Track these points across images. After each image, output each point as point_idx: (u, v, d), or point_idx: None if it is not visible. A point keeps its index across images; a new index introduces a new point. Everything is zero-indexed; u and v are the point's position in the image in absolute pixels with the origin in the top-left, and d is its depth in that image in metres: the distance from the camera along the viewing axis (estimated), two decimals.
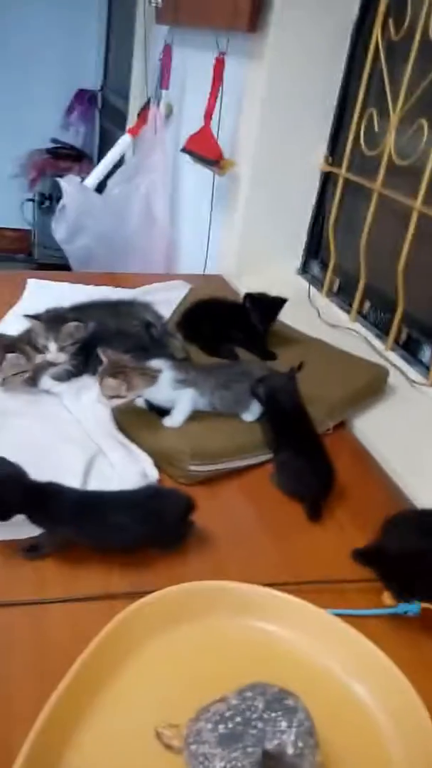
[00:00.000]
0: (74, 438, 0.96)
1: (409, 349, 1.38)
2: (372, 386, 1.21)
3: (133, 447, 0.95)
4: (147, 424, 0.97)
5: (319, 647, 0.67)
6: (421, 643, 0.72)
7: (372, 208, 1.45)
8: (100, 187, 2.32)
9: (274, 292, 1.65)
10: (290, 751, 0.51)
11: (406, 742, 0.58)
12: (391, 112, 1.38)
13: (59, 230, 2.12)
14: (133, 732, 0.57)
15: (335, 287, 1.68)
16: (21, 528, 0.76)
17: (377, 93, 1.47)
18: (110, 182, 2.26)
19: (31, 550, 0.76)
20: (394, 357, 1.38)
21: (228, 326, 1.27)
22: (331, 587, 0.77)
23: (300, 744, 0.52)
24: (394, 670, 0.62)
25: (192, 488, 0.89)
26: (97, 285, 1.55)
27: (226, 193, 1.83)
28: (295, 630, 0.68)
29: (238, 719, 0.53)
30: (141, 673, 0.62)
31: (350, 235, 1.54)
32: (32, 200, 3.90)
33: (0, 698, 0.60)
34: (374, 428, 1.14)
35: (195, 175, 1.98)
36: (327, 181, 1.71)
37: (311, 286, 1.73)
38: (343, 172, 1.58)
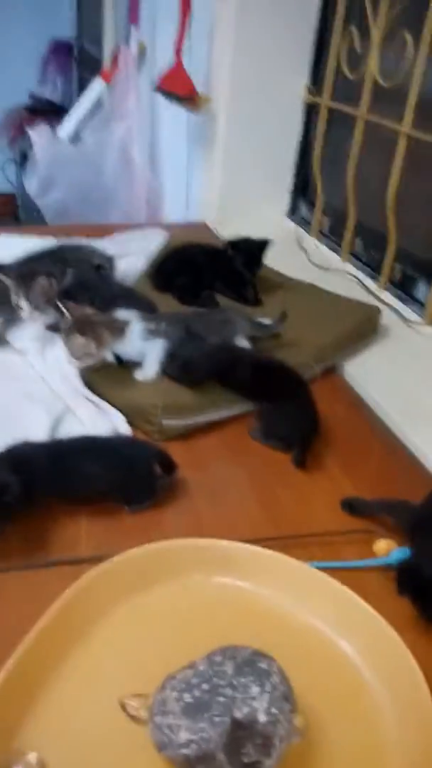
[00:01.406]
0: (40, 397, 0.90)
1: (404, 287, 1.30)
2: (363, 328, 1.14)
3: (103, 403, 0.88)
4: (116, 379, 0.91)
5: (301, 604, 0.62)
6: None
7: (358, 137, 1.35)
8: (78, 138, 2.21)
9: (260, 234, 1.58)
10: (262, 718, 0.46)
11: (398, 703, 0.53)
12: (372, 28, 1.27)
13: (31, 184, 2.02)
14: (97, 705, 0.52)
15: (325, 227, 1.59)
16: None
17: (358, 9, 1.35)
18: (84, 131, 2.14)
19: None
20: (389, 297, 1.30)
21: (208, 274, 1.19)
22: (318, 540, 0.72)
23: (273, 710, 0.47)
24: (384, 625, 0.57)
25: (168, 444, 0.83)
26: (69, 236, 1.46)
27: (205, 133, 1.72)
28: (276, 587, 0.63)
29: (205, 686, 0.48)
30: (107, 641, 0.57)
31: (338, 170, 1.44)
32: (14, 161, 3.76)
33: None
34: (367, 372, 1.07)
35: (174, 118, 1.87)
36: (310, 113, 1.60)
37: (300, 228, 1.65)
38: (325, 100, 1.47)
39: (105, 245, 1.35)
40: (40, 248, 1.18)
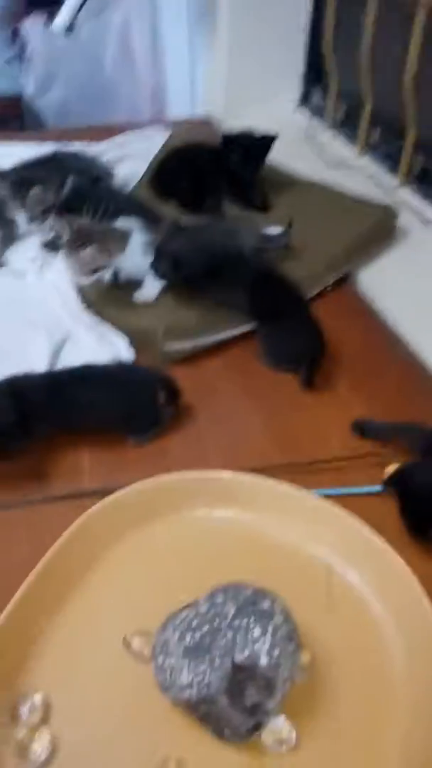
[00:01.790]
0: (39, 322, 0.86)
1: (425, 182, 1.20)
2: (378, 232, 1.06)
3: (105, 328, 0.84)
4: (116, 302, 0.86)
5: (308, 534, 0.60)
6: None
7: (371, 11, 1.19)
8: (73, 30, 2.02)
9: (269, 128, 1.45)
10: (263, 661, 0.45)
11: (406, 635, 0.52)
12: None
13: (28, 83, 1.88)
14: (101, 643, 0.52)
15: (340, 116, 1.45)
16: None
17: None
18: (77, 20, 1.95)
19: None
20: (407, 194, 1.20)
21: (210, 177, 1.10)
22: (327, 466, 0.69)
23: (275, 652, 0.46)
24: (392, 555, 0.55)
25: (172, 369, 0.80)
26: (69, 141, 1.37)
27: (207, 18, 1.55)
28: (281, 518, 0.61)
29: (206, 628, 0.47)
30: (109, 578, 0.57)
31: (353, 50, 1.29)
32: (17, 58, 3.49)
33: None
34: (382, 281, 1.00)
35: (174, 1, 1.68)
36: None
37: (313, 119, 1.51)
38: None
39: (104, 149, 1.26)
40: (36, 156, 1.10)
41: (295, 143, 1.44)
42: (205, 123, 1.56)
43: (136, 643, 0.52)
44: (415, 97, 1.13)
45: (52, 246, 0.97)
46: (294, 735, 0.47)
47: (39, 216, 0.97)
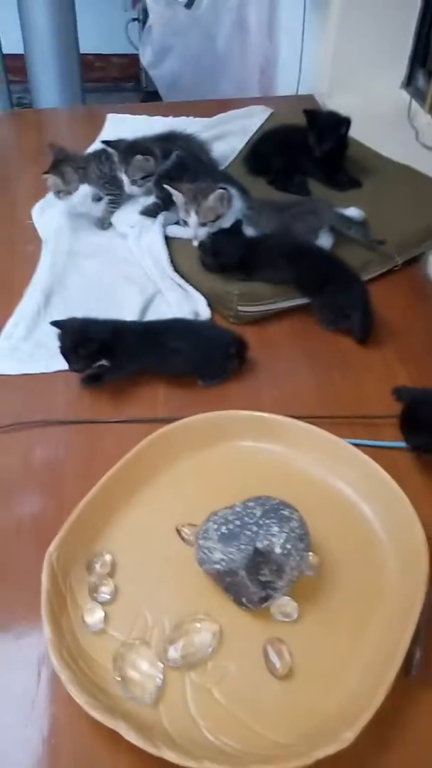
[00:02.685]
0: (135, 278, 1.02)
1: None
2: None
3: (189, 287, 0.99)
4: (200, 266, 1.00)
5: (333, 472, 0.72)
6: None
7: None
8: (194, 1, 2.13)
9: (370, 110, 1.52)
10: (278, 550, 0.59)
11: (401, 556, 0.64)
12: None
13: (145, 53, 2.02)
14: (158, 527, 0.68)
15: None
16: None
17: None
18: None
19: (91, 379, 0.86)
20: None
21: (299, 156, 1.20)
22: (363, 421, 0.81)
23: (288, 546, 0.59)
24: (400, 493, 0.67)
25: (242, 328, 0.94)
26: (177, 116, 1.50)
27: None
28: (313, 456, 0.74)
29: (238, 522, 0.62)
30: (170, 483, 0.72)
31: None
32: (137, 20, 3.62)
33: (55, 494, 0.73)
34: None
35: None
36: None
37: (413, 101, 1.55)
38: None
39: (208, 123, 1.39)
40: (151, 133, 1.23)
41: (395, 124, 1.50)
42: (307, 101, 1.64)
43: (185, 531, 0.67)
44: None
45: (149, 212, 1.11)
46: (296, 611, 0.60)
47: (139, 181, 1.11)
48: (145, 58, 2.09)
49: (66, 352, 0.83)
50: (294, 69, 1.79)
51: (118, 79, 3.83)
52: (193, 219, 0.99)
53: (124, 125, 1.46)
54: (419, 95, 1.57)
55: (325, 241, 1.03)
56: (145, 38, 2.05)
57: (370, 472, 0.70)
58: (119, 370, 0.86)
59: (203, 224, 1.00)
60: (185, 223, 1.02)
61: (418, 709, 0.55)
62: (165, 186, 1.04)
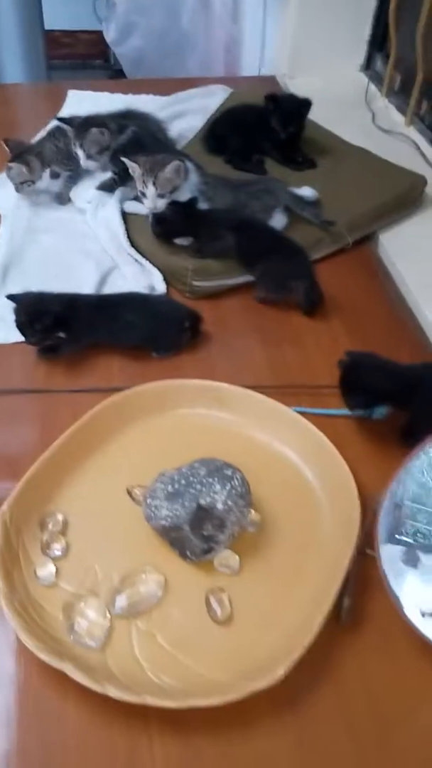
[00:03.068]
0: (93, 253, 1.04)
1: None
2: (405, 198, 1.17)
3: (145, 262, 1.01)
4: (156, 241, 1.02)
5: (278, 437, 0.76)
6: (380, 440, 0.79)
7: None
8: None
9: (329, 92, 1.55)
10: (219, 506, 0.63)
11: (336, 514, 0.69)
12: None
13: (110, 30, 2.01)
14: (110, 489, 0.71)
15: (396, 84, 1.53)
16: None
17: None
18: None
19: (47, 350, 0.88)
20: None
21: (257, 135, 1.22)
22: (308, 391, 0.85)
23: (229, 503, 0.63)
24: (338, 458, 0.72)
25: (198, 302, 0.97)
26: (138, 93, 1.51)
27: None
28: (260, 422, 0.77)
29: (183, 482, 0.65)
30: (123, 448, 0.75)
31: (413, 22, 1.36)
32: None
33: (10, 460, 0.75)
34: (400, 244, 1.12)
35: None
36: None
37: (371, 84, 1.59)
38: None
39: (168, 101, 1.40)
40: (107, 110, 1.24)
41: (353, 107, 1.54)
42: (268, 81, 1.67)
43: (136, 491, 0.70)
44: None
45: (106, 187, 1.12)
46: (237, 563, 0.64)
47: (95, 155, 1.12)
48: (110, 36, 2.08)
49: (21, 325, 0.85)
50: (256, 50, 1.80)
51: (86, 56, 3.76)
52: (150, 190, 1.01)
53: (85, 102, 1.46)
54: (377, 78, 1.61)
55: (279, 220, 1.06)
56: (110, 15, 2.04)
57: (311, 438, 0.74)
58: (75, 342, 0.88)
59: (161, 195, 1.01)
60: (143, 196, 1.03)
61: (345, 653, 0.60)
62: (122, 159, 1.05)
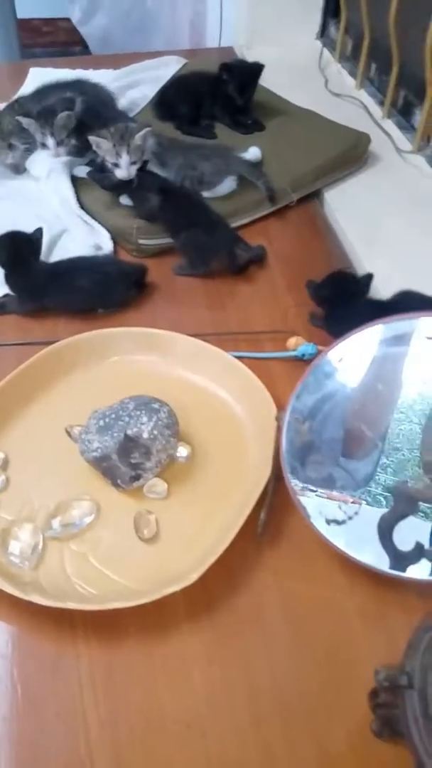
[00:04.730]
0: (45, 218, 1.07)
1: (405, 114, 1.31)
2: (348, 155, 1.20)
3: (94, 223, 1.05)
4: (104, 203, 1.06)
5: (213, 379, 0.80)
6: None
7: None
8: None
9: (286, 60, 1.58)
10: (145, 435, 0.67)
11: (258, 439, 0.73)
12: None
13: (74, 11, 2.03)
14: (50, 429, 0.75)
15: (348, 50, 1.55)
16: None
17: None
18: None
19: None
20: (390, 125, 1.32)
21: (208, 102, 1.25)
22: (246, 337, 0.89)
23: (155, 432, 0.67)
24: (264, 392, 0.75)
25: (144, 259, 1.00)
26: (98, 68, 1.54)
27: None
28: (196, 365, 0.81)
29: (113, 416, 0.69)
30: (64, 392, 0.80)
31: None
32: None
33: None
34: (343, 200, 1.15)
35: None
36: None
37: (325, 50, 1.62)
38: None
39: (119, 74, 1.43)
40: (56, 80, 1.27)
41: (308, 73, 1.57)
42: (227, 52, 1.69)
43: (74, 430, 0.74)
44: (396, 37, 1.24)
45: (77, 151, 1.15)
46: (165, 489, 0.69)
47: (65, 140, 1.14)
48: (75, 16, 2.10)
49: None
50: (216, 22, 1.82)
51: (67, 43, 3.77)
52: (124, 159, 1.02)
53: (46, 78, 1.48)
54: (331, 45, 1.63)
55: (228, 185, 1.09)
56: None
57: (242, 378, 0.78)
58: (22, 305, 0.92)
59: (134, 162, 1.04)
60: (115, 167, 1.04)
61: (262, 562, 0.64)
62: (89, 138, 1.05)
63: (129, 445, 0.67)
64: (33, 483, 0.70)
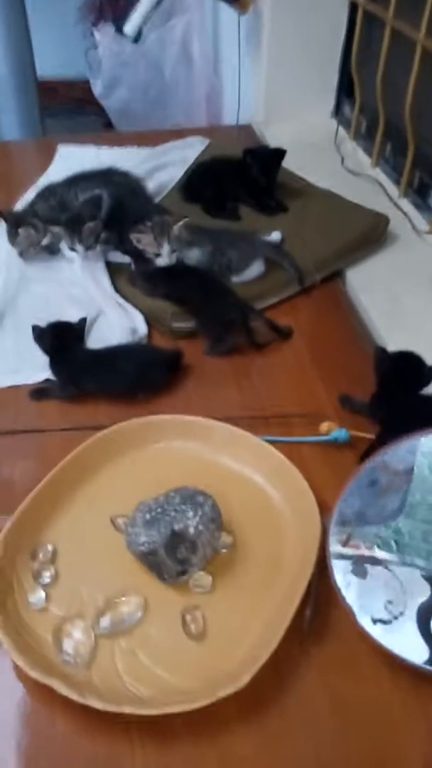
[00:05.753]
0: (79, 299, 1.12)
1: (421, 194, 1.37)
2: (368, 236, 1.25)
3: (128, 306, 1.09)
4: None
5: (248, 464, 0.83)
6: (342, 464, 0.86)
7: (386, 41, 1.37)
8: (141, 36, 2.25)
9: (302, 138, 1.66)
10: (191, 531, 0.69)
11: (299, 530, 0.75)
12: None
13: (96, 84, 2.13)
14: (96, 519, 0.77)
15: (362, 128, 1.63)
16: (29, 373, 0.97)
17: None
18: (145, 28, 2.19)
19: (38, 393, 0.96)
20: (406, 204, 1.38)
21: (231, 184, 1.32)
22: (278, 420, 0.91)
23: (200, 527, 0.69)
24: (301, 481, 0.78)
25: (178, 342, 1.04)
26: (123, 146, 1.62)
27: (254, 32, 1.75)
28: (232, 452, 0.84)
29: (159, 510, 0.72)
30: (108, 480, 0.82)
31: (374, 69, 1.47)
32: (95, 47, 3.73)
33: (6, 491, 0.82)
34: (365, 279, 1.20)
35: (231, 14, 1.88)
36: (354, 13, 1.59)
37: (340, 129, 1.70)
38: (362, 1, 1.47)
39: (146, 157, 1.50)
40: (88, 170, 1.31)
41: (324, 151, 1.64)
42: (245, 130, 1.78)
43: (119, 521, 0.77)
44: (414, 119, 1.31)
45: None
46: (210, 583, 0.71)
47: (92, 245, 1.17)
48: (97, 89, 2.21)
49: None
50: (234, 100, 1.92)
51: (81, 101, 3.93)
52: (166, 248, 1.10)
53: (73, 157, 1.56)
54: (346, 123, 1.71)
55: (257, 268, 1.14)
56: (95, 70, 2.17)
57: (277, 463, 0.81)
58: (64, 391, 0.95)
59: (174, 251, 1.10)
60: (157, 256, 1.11)
61: (309, 661, 0.65)
62: (132, 238, 1.11)
63: (176, 540, 0.69)
64: (81, 576, 0.72)
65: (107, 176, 1.26)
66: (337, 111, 1.77)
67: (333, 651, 0.66)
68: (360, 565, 0.65)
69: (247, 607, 0.69)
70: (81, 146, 1.63)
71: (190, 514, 0.70)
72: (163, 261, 1.08)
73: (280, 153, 1.31)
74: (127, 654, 0.65)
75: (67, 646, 0.65)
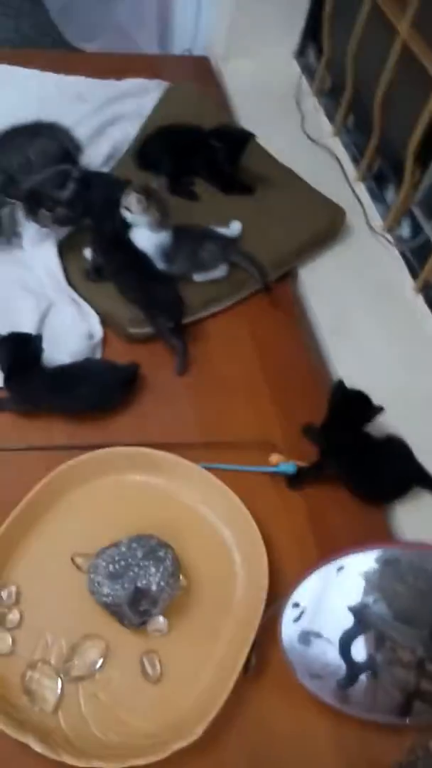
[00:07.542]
0: (33, 289, 1.06)
1: (378, 183, 1.36)
2: (326, 232, 1.24)
3: (83, 303, 1.06)
4: (95, 287, 1.07)
5: (202, 499, 0.88)
6: (288, 496, 0.93)
7: (363, 14, 1.28)
8: None
9: (263, 82, 1.56)
10: (154, 588, 0.75)
11: (248, 573, 0.82)
12: None
13: None
14: (56, 557, 0.81)
15: (326, 86, 1.55)
16: None
17: None
18: None
19: None
20: (362, 190, 1.36)
21: (190, 158, 1.24)
22: (230, 446, 0.96)
23: (162, 584, 0.75)
24: (248, 518, 0.84)
25: (133, 346, 1.04)
26: (69, 73, 1.45)
27: None
28: (185, 484, 0.88)
29: (123, 563, 0.76)
30: (66, 514, 0.85)
31: (345, 33, 1.38)
32: None
33: None
34: (315, 280, 1.21)
35: None
36: None
37: (303, 78, 1.60)
38: None
39: (98, 107, 1.36)
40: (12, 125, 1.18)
41: (284, 104, 1.55)
42: (202, 64, 1.63)
43: (79, 560, 0.81)
44: (382, 111, 1.26)
45: (67, 219, 1.10)
46: (165, 626, 0.78)
47: (50, 224, 1.09)
48: None
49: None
50: (191, 27, 1.74)
51: None
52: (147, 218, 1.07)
53: (7, 86, 1.38)
54: (309, 71, 1.61)
55: (222, 269, 1.12)
56: None
57: (226, 499, 0.86)
58: (20, 408, 0.95)
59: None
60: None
61: (250, 699, 0.75)
62: (126, 200, 1.06)
63: (138, 596, 0.75)
64: (45, 617, 0.77)
65: (36, 134, 1.15)
66: (302, 52, 1.65)
67: (271, 692, 0.76)
68: (305, 635, 0.73)
69: (199, 651, 0.77)
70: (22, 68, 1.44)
71: (153, 570, 0.76)
72: (145, 235, 1.05)
73: (246, 137, 1.23)
74: (91, 697, 0.73)
75: (35, 691, 0.71)
